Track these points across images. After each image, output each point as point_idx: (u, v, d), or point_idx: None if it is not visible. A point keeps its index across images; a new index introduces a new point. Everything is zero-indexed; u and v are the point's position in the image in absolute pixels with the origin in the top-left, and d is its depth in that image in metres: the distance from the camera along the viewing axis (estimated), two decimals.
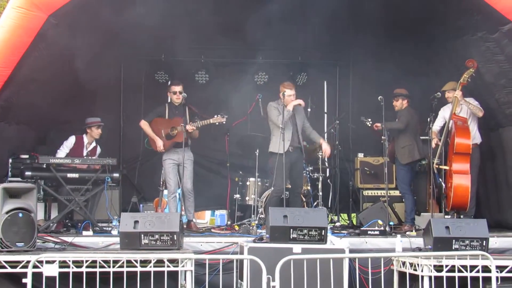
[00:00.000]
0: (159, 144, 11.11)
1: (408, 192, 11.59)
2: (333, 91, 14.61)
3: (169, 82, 13.00)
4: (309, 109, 12.27)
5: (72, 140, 11.45)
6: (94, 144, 11.65)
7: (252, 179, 12.56)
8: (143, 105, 13.57)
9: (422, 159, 11.71)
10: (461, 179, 10.58)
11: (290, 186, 11.32)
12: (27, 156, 11.14)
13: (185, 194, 11.24)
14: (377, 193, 12.97)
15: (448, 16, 10.93)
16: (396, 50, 12.90)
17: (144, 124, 11.33)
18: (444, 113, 11.34)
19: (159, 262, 8.04)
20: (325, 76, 14.57)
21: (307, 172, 12.49)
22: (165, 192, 11.70)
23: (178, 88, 11.34)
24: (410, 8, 10.46)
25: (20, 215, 8.43)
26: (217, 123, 11.51)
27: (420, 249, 9.30)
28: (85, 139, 11.52)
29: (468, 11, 10.29)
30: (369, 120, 11.74)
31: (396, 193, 12.27)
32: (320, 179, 12.45)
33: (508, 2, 9.74)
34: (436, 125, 11.24)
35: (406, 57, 13.00)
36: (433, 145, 10.91)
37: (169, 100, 11.44)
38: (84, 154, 11.44)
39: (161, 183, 11.80)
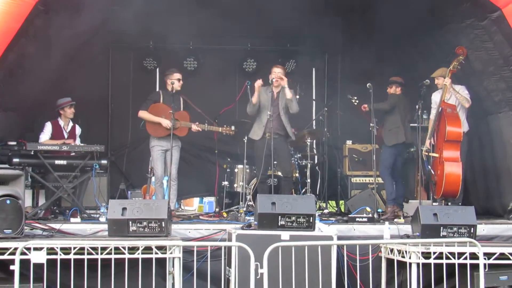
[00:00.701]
0: (166, 123, 10.98)
1: (386, 174, 11.57)
2: (322, 79, 14.62)
3: (157, 69, 12.96)
4: (297, 96, 12.21)
5: (49, 126, 11.38)
6: (71, 124, 11.60)
7: (240, 166, 12.54)
8: (131, 92, 13.54)
9: (410, 145, 11.73)
10: (453, 167, 10.62)
11: (280, 173, 11.29)
12: (14, 143, 11.08)
13: (171, 180, 11.23)
14: (365, 180, 13.01)
15: (437, 4, 10.90)
16: (385, 39, 12.87)
17: (143, 113, 11.19)
18: (435, 98, 11.33)
19: (147, 249, 8.01)
20: (314, 63, 14.58)
21: (296, 159, 12.48)
22: (153, 179, 11.65)
23: (179, 76, 11.30)
24: None
25: (8, 201, 8.37)
26: (224, 133, 11.61)
27: (408, 236, 9.29)
28: (60, 121, 11.47)
29: None
30: (355, 98, 11.85)
31: None
32: (309, 166, 12.44)
33: None
34: (433, 114, 11.22)
35: (395, 45, 12.99)
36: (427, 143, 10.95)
37: (165, 87, 11.38)
38: (65, 136, 11.40)
39: (149, 170, 11.76)
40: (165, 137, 11.08)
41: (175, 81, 11.10)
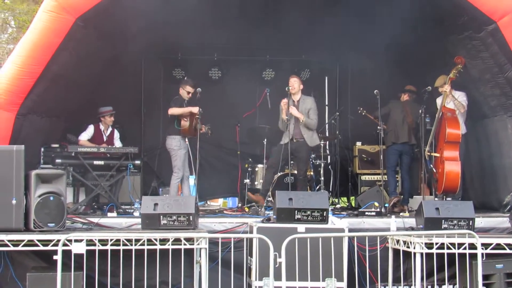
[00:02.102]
0: (196, 109, 11.09)
1: (389, 172, 11.64)
2: (334, 86, 14.57)
3: (185, 78, 13.00)
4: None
5: (91, 129, 11.53)
6: (110, 129, 11.76)
7: (260, 165, 12.54)
8: (161, 99, 13.56)
9: (416, 146, 11.71)
10: (452, 165, 10.60)
11: (296, 172, 11.27)
12: (57, 145, 11.14)
13: (185, 179, 11.41)
14: (373, 178, 12.97)
15: (439, 18, 10.85)
16: (392, 50, 12.83)
17: (173, 109, 11.29)
18: (439, 102, 11.34)
19: (177, 241, 8.04)
20: (326, 72, 14.53)
21: (311, 159, 12.45)
22: (175, 176, 11.60)
23: (192, 90, 11.41)
24: (404, 10, 10.38)
25: (51, 198, 8.42)
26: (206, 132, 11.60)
27: (412, 229, 9.27)
28: (101, 126, 11.62)
29: (457, 12, 10.22)
30: (361, 109, 12.29)
31: None
32: (322, 165, 12.41)
33: (492, 4, 9.68)
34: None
35: (401, 56, 12.95)
36: None
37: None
38: (104, 139, 11.57)
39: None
40: (187, 141, 11.23)
41: (185, 93, 11.41)
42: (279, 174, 11.40)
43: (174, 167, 11.41)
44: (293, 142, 10.82)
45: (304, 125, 10.91)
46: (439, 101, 11.31)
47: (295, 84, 10.99)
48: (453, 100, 10.97)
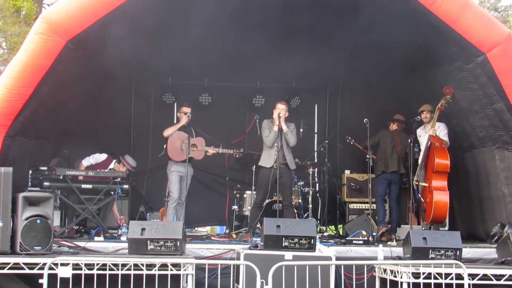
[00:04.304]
0: (184, 119, 11.37)
1: (378, 201, 11.76)
2: (323, 114, 14.63)
3: (175, 104, 13.06)
4: (301, 130, 12.24)
5: (103, 157, 11.57)
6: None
7: (248, 192, 12.55)
8: (151, 124, 13.59)
9: (405, 175, 11.76)
10: (441, 195, 10.68)
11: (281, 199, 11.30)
12: (45, 168, 11.10)
13: (180, 204, 11.44)
14: (361, 206, 12.99)
15: (429, 48, 10.97)
16: (381, 79, 12.95)
17: (166, 130, 11.44)
18: (419, 133, 11.55)
19: (163, 266, 8.01)
20: (316, 100, 14.61)
21: (299, 187, 12.48)
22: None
23: (188, 110, 11.52)
24: (394, 41, 10.49)
25: (38, 221, 8.40)
26: (235, 155, 11.99)
27: (400, 258, 9.27)
28: (112, 164, 11.61)
29: (446, 43, 10.33)
30: (349, 138, 12.45)
31: None
32: (310, 193, 12.46)
33: (482, 36, 9.77)
34: (422, 146, 11.34)
35: (390, 84, 13.05)
36: None
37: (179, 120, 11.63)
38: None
39: (167, 194, 11.77)
40: (183, 162, 11.17)
41: (182, 115, 11.49)
42: (267, 201, 11.40)
43: (169, 191, 11.47)
44: (273, 167, 10.78)
45: (285, 139, 10.89)
46: (419, 131, 11.48)
47: (282, 109, 10.99)
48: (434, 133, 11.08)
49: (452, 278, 8.11)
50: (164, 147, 11.47)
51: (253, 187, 12.22)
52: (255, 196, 11.59)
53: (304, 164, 12.74)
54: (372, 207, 11.47)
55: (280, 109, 10.89)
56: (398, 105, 12.83)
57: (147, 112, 13.85)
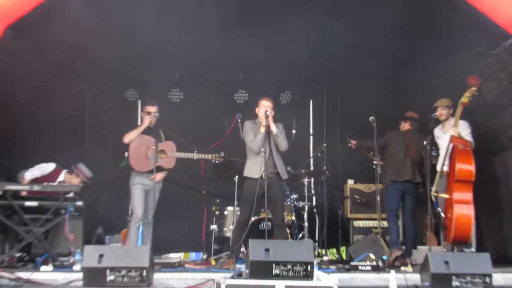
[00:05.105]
0: (147, 120, 11.23)
1: (390, 218, 11.69)
2: (320, 111, 14.63)
3: (139, 101, 12.98)
4: (293, 131, 12.21)
5: (50, 167, 11.50)
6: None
7: (230, 208, 12.51)
8: (110, 126, 13.49)
9: (421, 185, 11.73)
10: (464, 209, 10.57)
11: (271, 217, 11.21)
12: None
13: (146, 223, 11.27)
14: (369, 223, 13.05)
15: (444, 31, 10.94)
16: (390, 68, 12.90)
17: (127, 135, 11.29)
18: (437, 134, 11.52)
19: None
20: (311, 94, 14.62)
21: (291, 201, 12.43)
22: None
23: (153, 109, 11.34)
24: (406, 21, 10.47)
25: None
26: (214, 161, 11.75)
27: (416, 287, 9.22)
28: (62, 176, 11.50)
29: (467, 25, 10.30)
30: (351, 141, 12.32)
31: None
32: (306, 208, 12.43)
33: (510, 15, 9.74)
34: (442, 150, 11.24)
35: (401, 75, 13.02)
36: None
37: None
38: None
39: (130, 212, 11.69)
40: (149, 173, 11.06)
41: (145, 115, 11.35)
42: (253, 218, 11.31)
43: (132, 209, 11.40)
44: (263, 178, 10.65)
45: (274, 143, 10.80)
46: (436, 132, 11.47)
47: (268, 106, 10.90)
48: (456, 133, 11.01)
49: None
50: (126, 155, 11.35)
51: (235, 202, 12.14)
52: (238, 213, 11.51)
53: (298, 173, 12.71)
54: (382, 225, 11.41)
55: (266, 107, 10.79)
56: (410, 101, 12.80)
57: (105, 112, 13.79)
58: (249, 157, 10.96)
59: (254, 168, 10.79)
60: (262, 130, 10.72)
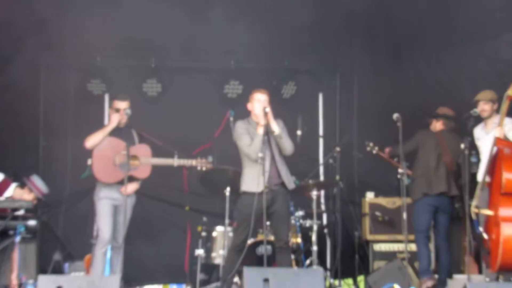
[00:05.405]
0: (115, 118, 11.20)
1: (419, 238, 11.77)
2: (332, 108, 14.64)
3: (106, 95, 12.99)
4: (298, 132, 12.23)
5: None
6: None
7: (220, 228, 12.47)
8: (70, 126, 13.48)
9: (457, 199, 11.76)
10: None
11: (272, 239, 11.21)
12: None
13: (115, 247, 11.25)
14: (393, 247, 13.05)
15: (488, 7, 10.97)
16: (417, 53, 12.92)
17: (88, 139, 11.18)
18: (477, 135, 11.45)
19: None
20: (321, 87, 14.63)
21: (296, 219, 12.42)
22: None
23: (123, 105, 11.33)
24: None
25: None
26: (199, 168, 11.70)
27: None
28: (11, 190, 11.49)
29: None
30: (371, 144, 12.39)
31: None
32: (315, 228, 12.39)
33: None
34: (484, 156, 11.24)
35: (430, 63, 13.03)
36: None
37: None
38: None
39: (95, 234, 11.67)
40: (118, 185, 11.06)
41: (113, 112, 11.35)
42: (249, 241, 11.30)
43: (98, 229, 11.38)
44: (267, 192, 10.62)
45: (277, 146, 10.77)
46: (477, 133, 11.47)
47: (264, 100, 10.86)
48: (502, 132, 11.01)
49: None
50: (89, 163, 11.33)
51: (226, 221, 12.12)
52: (230, 234, 11.51)
53: (305, 185, 12.66)
54: (409, 248, 11.41)
55: (263, 101, 10.74)
56: (443, 94, 12.80)
57: (64, 108, 13.76)
58: (246, 166, 10.87)
59: (253, 180, 10.62)
60: (261, 131, 10.66)
